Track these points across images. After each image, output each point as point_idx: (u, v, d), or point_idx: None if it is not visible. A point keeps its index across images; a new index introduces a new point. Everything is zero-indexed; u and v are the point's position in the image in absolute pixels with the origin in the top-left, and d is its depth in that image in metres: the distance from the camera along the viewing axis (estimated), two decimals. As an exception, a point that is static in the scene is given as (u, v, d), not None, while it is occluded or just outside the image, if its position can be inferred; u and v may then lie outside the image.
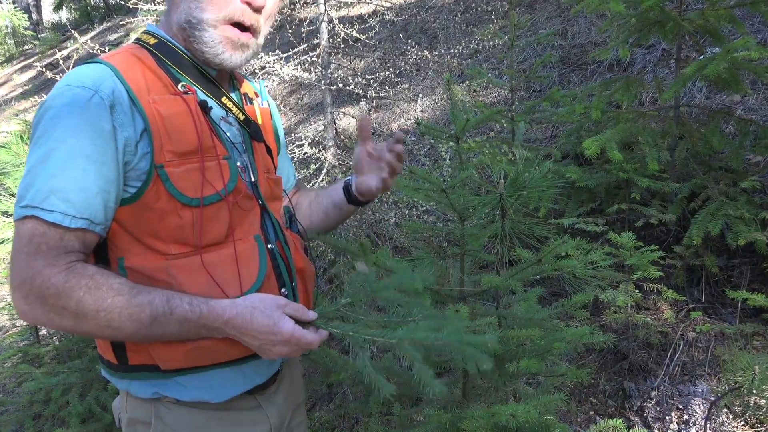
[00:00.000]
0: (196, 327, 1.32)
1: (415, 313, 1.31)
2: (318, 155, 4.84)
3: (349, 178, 1.85)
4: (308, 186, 4.77)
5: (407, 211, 4.41)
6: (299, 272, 1.58)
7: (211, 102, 1.45)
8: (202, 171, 1.36)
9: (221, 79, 1.52)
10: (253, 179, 1.52)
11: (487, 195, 1.83)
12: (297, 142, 5.06)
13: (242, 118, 1.53)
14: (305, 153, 4.93)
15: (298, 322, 1.36)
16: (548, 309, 2.03)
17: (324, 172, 4.74)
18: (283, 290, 1.48)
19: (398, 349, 1.21)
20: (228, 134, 1.47)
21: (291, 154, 4.95)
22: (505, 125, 4.21)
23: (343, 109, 6.67)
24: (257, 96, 1.65)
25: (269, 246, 1.49)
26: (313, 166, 4.92)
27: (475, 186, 3.98)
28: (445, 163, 4.53)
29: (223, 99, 1.48)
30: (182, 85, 1.39)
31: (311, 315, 1.38)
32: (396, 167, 1.71)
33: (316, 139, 5.22)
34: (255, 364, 1.49)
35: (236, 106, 1.51)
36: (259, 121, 1.60)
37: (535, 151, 4.00)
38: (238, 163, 1.48)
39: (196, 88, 1.42)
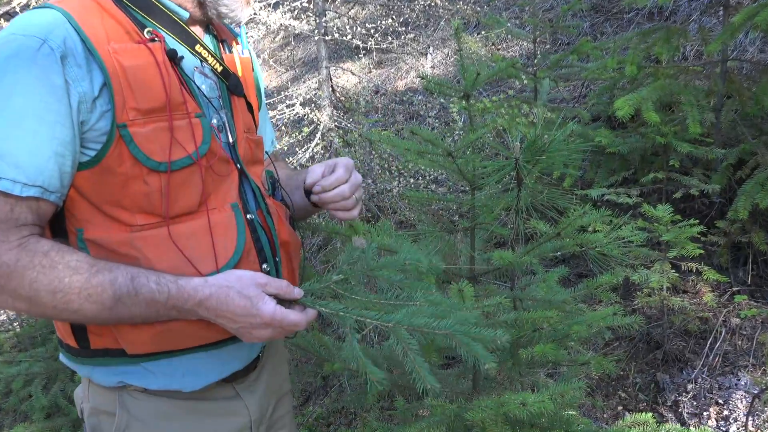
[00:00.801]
0: (166, 309, 1.33)
1: (418, 296, 1.32)
2: (311, 116, 4.83)
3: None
4: (300, 152, 4.77)
5: (412, 180, 4.41)
6: (283, 246, 1.57)
7: (182, 50, 1.42)
8: (170, 131, 1.34)
9: (194, 23, 1.50)
10: (230, 140, 1.51)
11: (501, 160, 1.83)
12: (288, 101, 5.04)
13: (219, 69, 1.50)
14: (296, 113, 4.91)
15: (282, 301, 1.37)
16: (570, 291, 2.04)
17: (318, 135, 4.73)
18: (264, 266, 1.48)
19: (394, 335, 1.21)
20: (202, 88, 1.46)
21: (280, 114, 4.93)
22: (526, 82, 4.19)
23: (341, 65, 6.63)
24: (237, 44, 1.63)
25: (249, 216, 1.49)
26: (306, 129, 4.91)
27: (491, 152, 3.97)
28: (457, 126, 4.51)
29: (197, 47, 1.46)
30: (148, 32, 1.36)
31: (297, 293, 1.38)
32: (339, 206, 1.67)
33: (310, 97, 5.19)
34: (232, 349, 1.50)
35: (212, 55, 1.48)
36: (239, 73, 1.58)
37: (560, 113, 3.98)
38: (214, 122, 1.47)
39: (164, 34, 1.40)
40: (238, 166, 1.52)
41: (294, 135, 4.99)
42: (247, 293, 1.32)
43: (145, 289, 1.30)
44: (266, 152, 1.75)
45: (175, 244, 1.36)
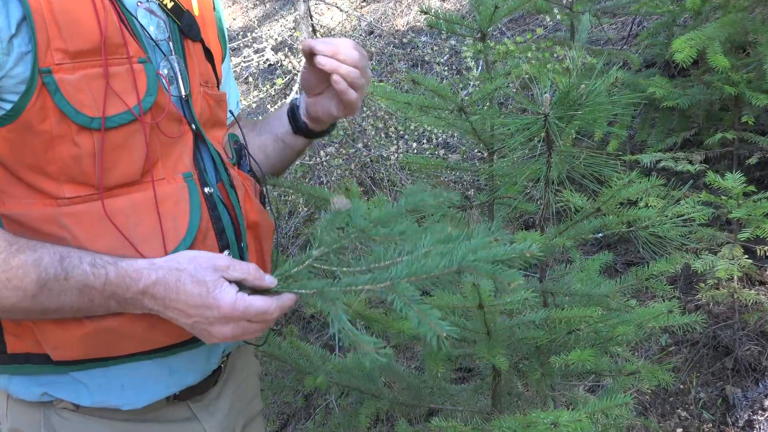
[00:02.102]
0: (102, 297, 1.33)
1: (425, 242, 1.32)
2: (287, 64, 4.81)
3: (296, 98, 1.85)
4: (272, 111, 4.77)
5: (415, 145, 4.41)
6: (251, 228, 1.59)
7: None
8: (106, 78, 1.35)
9: None
10: (183, 93, 1.52)
11: (526, 117, 1.84)
12: (256, 45, 5.02)
13: (170, 5, 1.51)
14: (267, 61, 4.90)
15: (253, 292, 1.38)
16: (615, 282, 2.05)
17: (295, 89, 4.72)
18: (226, 252, 1.50)
19: (392, 294, 1.22)
20: (149, 29, 1.46)
21: (247, 62, 4.91)
22: (559, 18, 4.18)
23: (323, -2, 6.59)
24: None
25: (206, 189, 1.50)
26: (279, 81, 4.90)
27: (514, 107, 3.96)
28: (472, 75, 4.51)
29: None
30: None
31: (269, 281, 1.39)
32: (354, 80, 1.68)
33: (284, 40, 5.18)
34: (185, 357, 1.51)
35: None
36: (195, 12, 1.59)
37: (603, 57, 3.98)
38: (163, 70, 1.48)
39: None
40: (193, 126, 1.52)
41: (264, 88, 4.97)
42: (202, 278, 1.33)
43: (77, 272, 1.31)
44: (230, 112, 1.76)
45: (111, 221, 1.37)
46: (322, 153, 4.45)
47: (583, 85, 1.80)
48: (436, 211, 1.38)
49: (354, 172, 4.52)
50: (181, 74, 1.52)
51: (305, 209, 4.35)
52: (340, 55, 1.61)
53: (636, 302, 2.28)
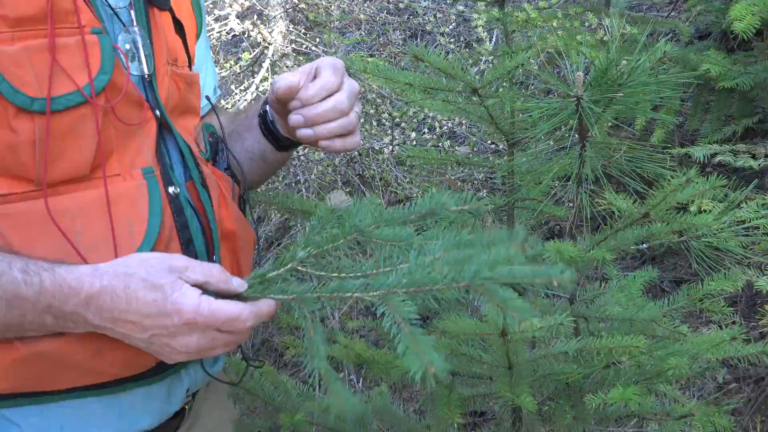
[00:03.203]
0: (36, 311, 1.33)
1: (435, 246, 1.30)
2: (255, 35, 4.82)
3: (265, 106, 1.80)
4: (237, 92, 4.77)
5: (414, 135, 4.42)
6: (227, 238, 1.60)
7: None
8: (52, 51, 1.36)
9: None
10: (146, 72, 1.53)
11: (554, 100, 1.85)
12: (217, 12, 5.02)
13: None
14: (231, 31, 4.90)
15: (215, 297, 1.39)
16: (662, 304, 2.07)
17: (266, 65, 4.73)
18: None
19: (383, 307, 1.21)
20: None
21: (207, 29, 4.92)
22: (592, -22, 4.19)
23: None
24: None
25: (171, 189, 1.51)
26: (246, 55, 4.90)
27: (538, 88, 3.97)
28: (485, 48, 4.52)
29: None
30: None
31: (237, 284, 1.40)
32: (343, 133, 1.67)
33: (252, 5, 5.18)
34: (142, 395, 1.51)
35: None
36: None
37: (646, 26, 3.99)
38: (122, 44, 1.49)
39: None
40: (157, 112, 1.54)
41: (228, 65, 4.98)
42: (157, 281, 1.34)
43: (4, 279, 1.32)
44: (206, 98, 1.79)
45: (56, 224, 1.37)
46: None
47: (624, 62, 1.82)
48: (456, 219, 1.37)
49: (338, 168, 4.52)
50: (144, 49, 1.53)
51: (277, 215, 4.35)
52: (320, 110, 1.59)
53: (688, 329, 2.29)
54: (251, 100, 4.67)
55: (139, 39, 1.53)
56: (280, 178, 4.55)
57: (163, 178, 1.51)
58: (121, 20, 1.50)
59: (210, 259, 1.55)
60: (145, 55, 1.53)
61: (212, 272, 1.38)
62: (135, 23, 1.53)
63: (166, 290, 1.33)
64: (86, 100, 1.40)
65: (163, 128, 1.55)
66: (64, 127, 1.38)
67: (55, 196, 1.39)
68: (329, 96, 1.58)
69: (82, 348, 1.40)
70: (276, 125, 1.78)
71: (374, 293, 1.25)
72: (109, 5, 1.48)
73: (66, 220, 1.39)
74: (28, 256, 1.35)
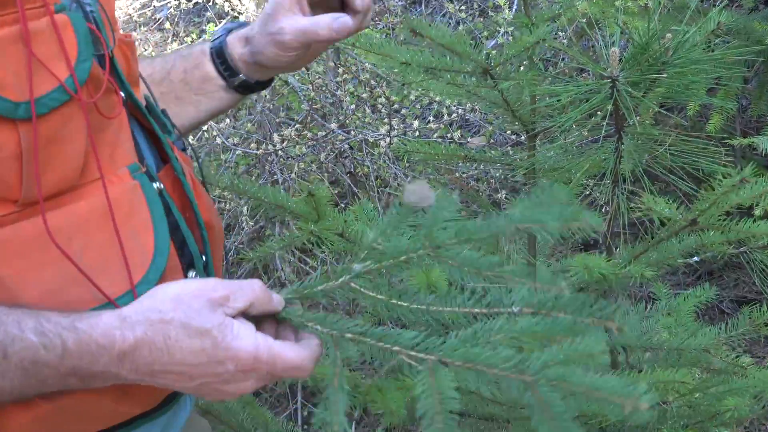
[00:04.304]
0: (59, 375, 1.34)
1: (514, 300, 1.29)
2: (225, 5, 4.84)
3: (220, 35, 1.93)
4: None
5: (416, 123, 4.41)
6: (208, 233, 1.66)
7: None
8: (27, 41, 1.35)
9: None
10: (110, 46, 1.55)
11: (584, 82, 1.86)
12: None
13: None
14: (196, 1, 4.92)
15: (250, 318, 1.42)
16: (718, 329, 2.08)
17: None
18: (192, 273, 1.59)
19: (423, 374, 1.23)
20: None
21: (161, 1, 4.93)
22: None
23: None
24: None
25: (155, 186, 1.55)
26: (210, 27, 4.91)
27: (566, 67, 3.97)
28: (502, 19, 4.53)
29: None
30: None
31: (276, 301, 1.43)
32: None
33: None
34: (146, 428, 1.56)
35: None
36: None
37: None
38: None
39: None
40: (123, 94, 1.58)
41: (189, 41, 4.98)
42: (201, 326, 1.36)
43: (18, 346, 1.32)
44: None
45: (57, 245, 1.38)
46: (275, 137, 4.45)
47: (668, 35, 1.82)
48: (553, 236, 1.35)
49: (325, 165, 4.52)
50: (97, 21, 1.54)
51: (251, 223, 4.35)
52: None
53: (751, 360, 2.29)
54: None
55: (96, 7, 1.53)
56: (254, 177, 4.56)
57: (147, 173, 1.55)
58: None
59: (202, 260, 1.60)
60: (99, 26, 1.53)
61: (255, 293, 1.41)
62: None
63: (215, 335, 1.36)
64: (71, 96, 1.40)
65: (135, 112, 1.60)
66: (50, 132, 1.39)
67: (38, 215, 1.39)
68: None
69: (108, 394, 1.44)
70: (227, 54, 1.91)
71: (424, 355, 1.27)
72: None
73: (61, 241, 1.39)
74: (28, 302, 1.36)
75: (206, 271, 1.60)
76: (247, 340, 1.36)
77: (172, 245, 1.53)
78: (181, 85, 1.93)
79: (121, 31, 1.72)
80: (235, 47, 1.89)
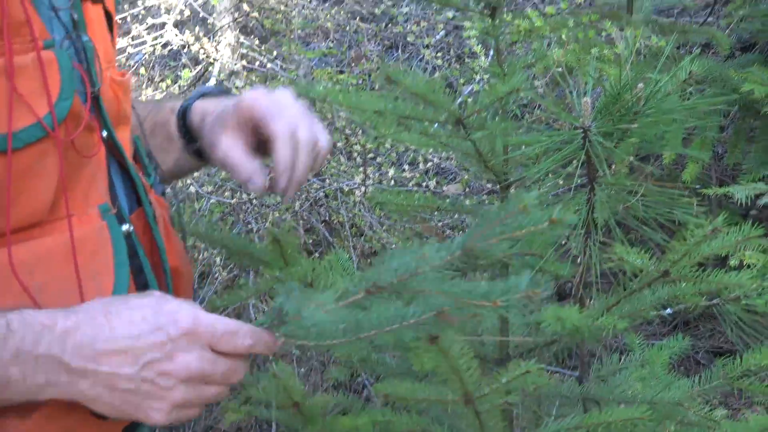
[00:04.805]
0: (2, 363, 1.33)
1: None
2: (198, 49, 4.84)
3: (190, 99, 1.89)
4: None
5: (392, 172, 4.43)
6: (174, 278, 1.66)
7: None
8: (11, 75, 1.37)
9: None
10: (95, 86, 1.56)
11: (556, 132, 1.86)
12: (150, 20, 5.05)
13: None
14: (168, 44, 4.93)
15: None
16: (692, 382, 2.07)
17: (211, 84, 4.74)
18: None
19: None
20: None
21: (138, 44, 4.94)
22: (610, -21, 4.24)
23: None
24: None
25: (124, 228, 1.56)
26: (187, 73, 4.92)
27: (540, 116, 3.99)
28: (478, 65, 4.55)
29: None
30: None
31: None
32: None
33: (194, 12, 5.21)
34: None
35: None
36: None
37: (673, 36, 4.03)
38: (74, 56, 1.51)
39: None
40: (104, 133, 1.58)
41: (164, 84, 5.00)
42: (140, 298, 1.43)
43: None
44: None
45: (18, 279, 1.39)
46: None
47: (641, 84, 1.82)
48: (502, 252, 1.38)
49: (300, 213, 4.52)
50: (88, 57, 1.55)
51: (224, 272, 4.34)
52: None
53: (726, 413, 2.29)
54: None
55: (89, 48, 1.54)
56: (229, 225, 4.56)
57: (117, 215, 1.56)
58: (61, 22, 1.51)
59: None
60: (92, 67, 1.55)
61: (254, 334, 1.45)
62: (76, 26, 1.54)
63: (153, 303, 1.39)
64: (47, 134, 1.41)
65: (112, 152, 1.60)
66: (22, 167, 1.40)
67: (5, 247, 1.40)
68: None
69: (53, 428, 1.43)
70: (188, 116, 1.88)
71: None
72: (51, 5, 1.49)
73: (23, 274, 1.40)
74: None
75: None
76: (186, 306, 1.39)
77: (134, 287, 1.54)
78: (150, 137, 1.91)
79: (117, 68, 1.73)
80: (195, 116, 1.86)
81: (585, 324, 1.83)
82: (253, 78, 4.89)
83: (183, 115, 1.87)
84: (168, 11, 4.99)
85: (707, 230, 1.77)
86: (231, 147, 1.72)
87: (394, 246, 4.22)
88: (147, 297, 1.41)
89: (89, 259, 1.47)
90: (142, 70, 5.51)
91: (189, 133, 1.87)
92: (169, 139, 1.90)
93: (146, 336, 1.36)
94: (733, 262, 2.41)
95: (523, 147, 1.97)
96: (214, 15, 4.95)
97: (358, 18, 5.82)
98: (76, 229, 1.47)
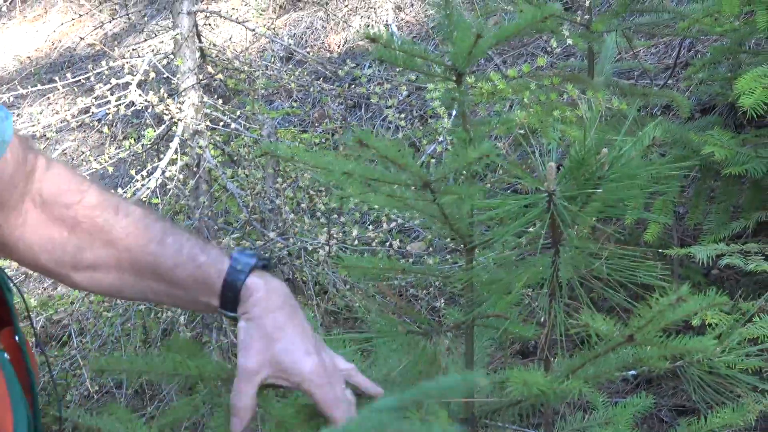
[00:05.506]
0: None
1: None
2: (162, 109, 4.85)
3: (243, 271, 1.77)
4: (139, 179, 4.77)
5: (356, 232, 4.43)
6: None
7: None
8: None
9: None
10: None
11: (521, 197, 1.88)
12: (115, 79, 5.06)
13: None
14: (131, 104, 4.93)
15: None
16: (657, 442, 2.09)
17: (175, 144, 4.74)
18: None
19: None
20: None
21: (101, 103, 4.94)
22: (571, 42, 4.29)
23: (217, 4, 6.67)
24: None
25: (5, 355, 1.56)
26: (150, 133, 4.92)
27: (505, 179, 4.02)
28: (441, 126, 4.58)
29: None
30: None
31: None
32: None
33: (159, 71, 5.22)
34: None
35: None
36: None
37: (636, 99, 4.08)
38: None
39: None
40: None
41: (128, 144, 4.99)
42: None
43: None
44: None
45: None
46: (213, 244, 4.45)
47: (605, 149, 1.85)
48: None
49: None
50: None
51: (188, 333, 4.32)
52: None
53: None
54: (155, 188, 4.65)
55: None
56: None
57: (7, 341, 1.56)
58: None
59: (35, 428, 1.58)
60: None
61: None
62: None
63: None
64: None
65: None
66: None
67: None
68: None
69: None
70: (239, 293, 1.78)
71: None
72: None
73: None
74: None
75: None
76: None
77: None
78: (154, 272, 1.78)
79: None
80: (245, 293, 1.76)
81: (550, 388, 1.85)
82: (217, 138, 4.89)
83: (232, 284, 1.76)
84: (132, 72, 4.99)
85: (672, 299, 1.77)
86: (241, 392, 1.71)
87: (357, 305, 4.23)
88: None
89: None
90: (104, 129, 5.51)
91: (233, 308, 1.78)
92: (195, 295, 1.81)
93: None
94: (695, 321, 2.43)
95: (487, 211, 1.98)
96: (178, 75, 4.95)
97: (321, 78, 5.86)
98: None
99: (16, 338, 1.59)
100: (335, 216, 4.63)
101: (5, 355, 1.53)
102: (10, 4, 10.57)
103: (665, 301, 1.71)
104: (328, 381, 1.65)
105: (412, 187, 1.97)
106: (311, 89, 5.54)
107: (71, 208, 1.70)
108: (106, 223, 1.73)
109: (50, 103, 7.14)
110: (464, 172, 2.09)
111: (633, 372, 1.93)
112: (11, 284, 1.68)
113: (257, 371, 1.65)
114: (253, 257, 1.74)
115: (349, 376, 1.73)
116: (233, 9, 6.75)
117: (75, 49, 8.30)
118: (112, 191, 1.91)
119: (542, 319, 2.06)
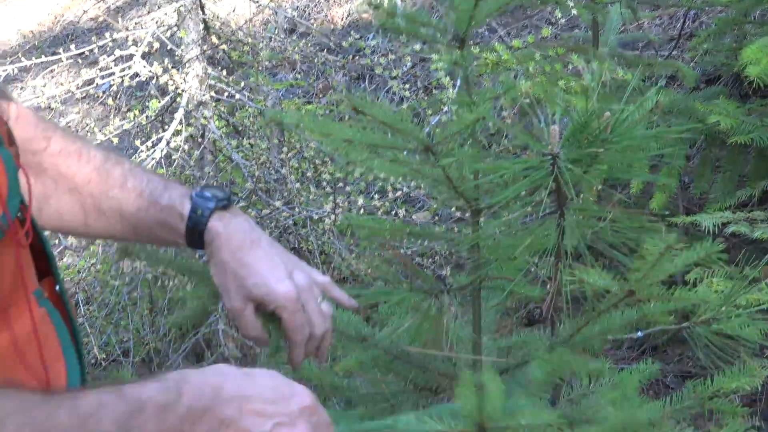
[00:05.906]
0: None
1: None
2: (166, 79, 4.84)
3: (204, 212, 1.79)
4: (144, 149, 4.76)
5: (361, 200, 4.42)
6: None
7: None
8: None
9: None
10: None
11: (525, 159, 1.87)
12: (118, 51, 5.05)
13: None
14: (135, 75, 4.92)
15: None
16: (663, 403, 2.08)
17: (179, 115, 4.74)
18: None
19: None
20: None
21: (105, 74, 4.93)
22: (576, 13, 4.28)
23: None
24: None
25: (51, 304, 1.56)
26: (155, 103, 4.91)
27: (509, 144, 4.01)
28: (446, 96, 4.57)
29: None
30: None
31: None
32: None
33: (162, 43, 5.20)
34: None
35: None
36: None
37: (641, 68, 4.06)
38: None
39: None
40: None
41: (132, 116, 4.98)
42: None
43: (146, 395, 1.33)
44: None
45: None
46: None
47: (607, 113, 1.84)
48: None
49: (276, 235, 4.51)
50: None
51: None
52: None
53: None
54: (160, 158, 4.65)
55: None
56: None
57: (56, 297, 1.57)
58: None
59: (83, 380, 1.59)
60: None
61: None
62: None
63: (276, 376, 1.48)
64: (5, 232, 1.43)
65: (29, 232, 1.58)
66: None
67: None
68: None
69: None
70: (200, 227, 1.79)
71: None
72: None
73: None
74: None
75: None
76: (299, 386, 1.48)
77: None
78: (118, 215, 1.83)
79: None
80: (208, 236, 1.78)
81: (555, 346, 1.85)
82: (221, 109, 4.88)
83: (194, 230, 1.79)
84: (136, 43, 4.98)
85: (662, 248, 1.76)
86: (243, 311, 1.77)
87: (363, 273, 4.24)
88: (263, 370, 1.47)
89: (36, 352, 1.47)
90: (109, 101, 5.49)
91: (198, 244, 1.81)
92: (160, 235, 1.85)
93: (280, 402, 1.42)
94: (691, 276, 2.43)
95: (491, 174, 1.97)
96: (182, 47, 4.95)
97: (325, 50, 5.84)
98: (20, 324, 1.47)
99: (57, 288, 1.61)
100: (341, 185, 4.62)
101: (51, 304, 1.55)
102: (12, -22, 10.54)
103: (655, 250, 1.70)
104: (300, 306, 1.71)
105: (415, 153, 1.97)
106: (315, 60, 5.54)
107: (36, 155, 1.74)
108: (69, 170, 1.78)
109: (54, 76, 7.13)
110: (466, 135, 2.09)
111: (640, 332, 1.93)
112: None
113: (243, 308, 1.72)
114: (211, 200, 1.77)
115: (325, 290, 1.81)
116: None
117: (78, 23, 8.29)
118: (73, 133, 1.91)
119: (548, 285, 2.05)
